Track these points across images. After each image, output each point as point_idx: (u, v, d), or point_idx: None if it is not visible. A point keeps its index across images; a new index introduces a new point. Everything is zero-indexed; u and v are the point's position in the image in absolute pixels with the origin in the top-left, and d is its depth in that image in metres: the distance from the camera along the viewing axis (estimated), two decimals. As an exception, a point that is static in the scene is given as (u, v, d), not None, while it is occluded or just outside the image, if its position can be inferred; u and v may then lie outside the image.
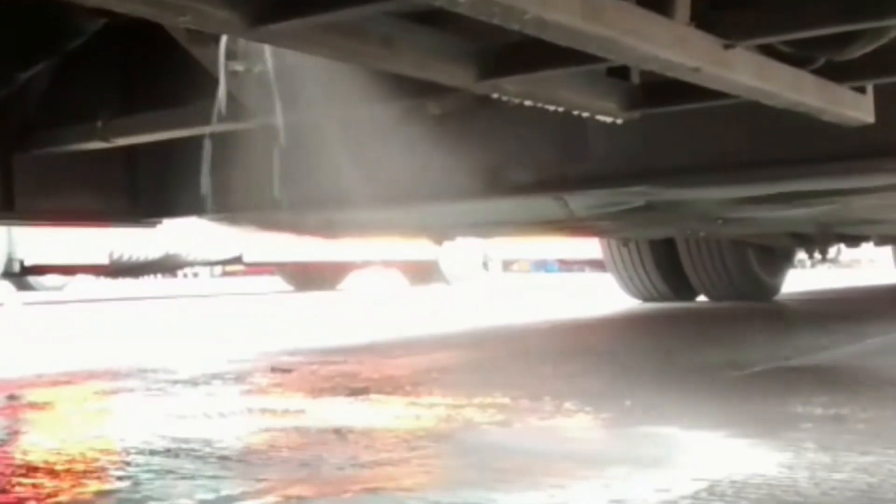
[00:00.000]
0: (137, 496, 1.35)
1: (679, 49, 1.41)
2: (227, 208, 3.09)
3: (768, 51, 1.71)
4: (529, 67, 1.63)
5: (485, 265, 13.89)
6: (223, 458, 1.62)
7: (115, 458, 1.65)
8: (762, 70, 1.67)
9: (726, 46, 1.53)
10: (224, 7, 1.18)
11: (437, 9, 1.20)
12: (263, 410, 2.14)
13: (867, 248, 7.53)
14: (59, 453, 1.67)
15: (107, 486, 1.44)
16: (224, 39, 1.81)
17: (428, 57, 1.56)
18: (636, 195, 3.09)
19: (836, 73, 1.91)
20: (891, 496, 1.28)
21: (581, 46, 1.29)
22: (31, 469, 1.55)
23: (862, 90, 2.06)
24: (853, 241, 6.46)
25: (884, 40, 1.77)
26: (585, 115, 1.96)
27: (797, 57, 1.80)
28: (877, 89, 2.10)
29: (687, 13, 1.43)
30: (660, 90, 1.99)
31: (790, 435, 1.69)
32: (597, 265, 13.19)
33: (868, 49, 1.78)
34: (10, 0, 1.95)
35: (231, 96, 2.11)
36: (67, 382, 2.73)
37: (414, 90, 2.03)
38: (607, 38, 1.26)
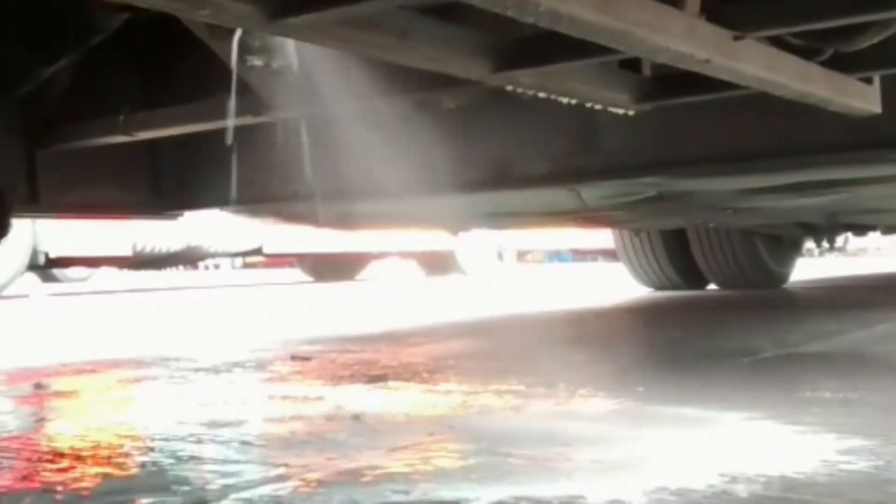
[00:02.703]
0: (161, 481, 1.36)
1: (689, 41, 1.40)
2: (247, 200, 3.09)
3: (777, 42, 1.71)
4: (544, 60, 1.63)
5: (500, 256, 13.88)
6: (245, 443, 1.62)
7: (139, 444, 1.65)
8: (771, 61, 1.66)
9: (736, 38, 1.53)
10: (243, 1, 1.18)
11: (453, 3, 1.19)
12: (284, 397, 2.14)
13: (874, 237, 7.51)
14: (84, 440, 1.68)
15: (131, 472, 1.44)
16: (237, 34, 1.81)
17: (444, 50, 1.55)
18: (648, 186, 3.09)
19: (844, 64, 1.90)
20: (895, 477, 1.28)
21: (593, 38, 1.29)
22: (57, 455, 1.56)
23: (869, 81, 2.05)
24: (860, 230, 6.45)
25: (891, 31, 1.76)
26: (598, 107, 1.95)
27: (805, 48, 1.79)
28: (884, 80, 2.09)
29: (697, 5, 1.43)
30: (671, 82, 1.99)
31: (800, 418, 1.68)
32: (609, 255, 13.17)
33: (875, 40, 1.77)
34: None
35: (251, 91, 2.11)
36: (92, 371, 2.74)
37: (429, 84, 2.03)
38: (619, 30, 1.26)
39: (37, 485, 1.36)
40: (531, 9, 1.10)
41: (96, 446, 1.62)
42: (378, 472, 1.37)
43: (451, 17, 1.55)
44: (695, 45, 1.42)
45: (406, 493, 1.25)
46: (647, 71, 1.98)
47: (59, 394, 2.31)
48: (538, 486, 1.26)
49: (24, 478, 1.41)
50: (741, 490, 1.22)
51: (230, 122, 2.17)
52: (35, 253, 8.44)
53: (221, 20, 1.27)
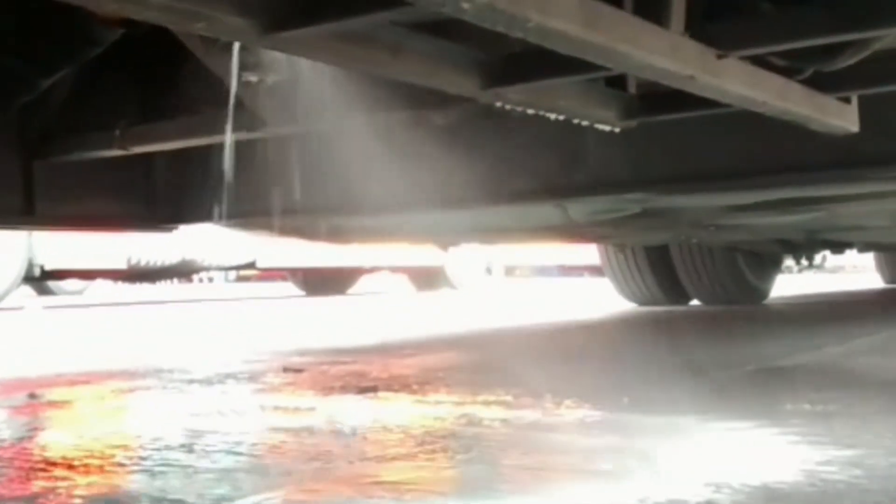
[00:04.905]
0: (153, 490, 1.34)
1: (674, 58, 1.40)
2: (241, 214, 3.08)
3: (759, 61, 1.71)
4: (532, 77, 1.63)
5: (488, 271, 13.87)
6: (237, 453, 1.61)
7: (132, 453, 1.63)
8: (753, 79, 1.66)
9: (719, 56, 1.52)
10: (237, 14, 1.18)
11: (444, 19, 1.19)
12: (276, 408, 2.13)
13: (851, 255, 7.52)
14: (76, 449, 1.66)
15: (123, 481, 1.43)
16: (233, 50, 1.80)
17: (434, 65, 1.55)
18: (633, 202, 3.08)
19: (823, 83, 1.90)
20: (876, 487, 1.27)
21: (580, 54, 1.28)
22: (49, 464, 1.54)
23: (847, 100, 2.05)
24: (838, 247, 6.45)
25: (868, 52, 1.76)
26: (585, 123, 1.95)
27: (786, 68, 1.79)
28: (861, 100, 2.10)
29: (681, 23, 1.43)
30: (655, 100, 1.99)
31: (781, 429, 1.67)
32: (595, 271, 13.17)
33: (853, 60, 1.78)
34: (33, 9, 1.94)
35: (245, 106, 2.10)
36: (86, 382, 2.72)
37: (420, 101, 2.02)
38: (605, 47, 1.25)
39: (29, 494, 1.34)
40: (520, 24, 1.09)
41: (89, 455, 1.60)
42: (368, 481, 1.36)
43: (442, 33, 1.55)
44: (679, 62, 1.42)
45: (395, 501, 1.24)
46: (632, 88, 1.98)
47: (52, 404, 2.30)
48: (527, 497, 1.25)
49: (16, 487, 1.39)
50: (725, 499, 1.21)
51: (224, 138, 2.16)
52: (30, 265, 8.40)
53: (216, 33, 1.26)
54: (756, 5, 1.67)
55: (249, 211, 3.05)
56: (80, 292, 12.18)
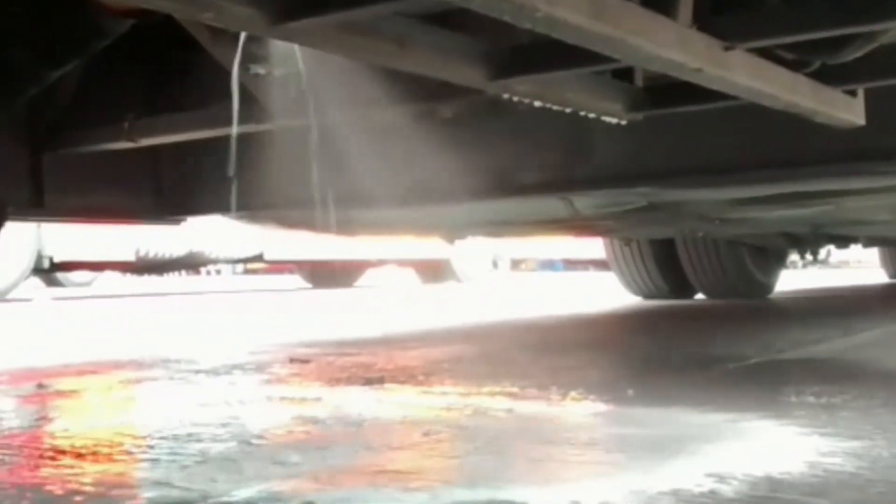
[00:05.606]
0: (161, 479, 1.34)
1: (682, 49, 1.40)
2: (248, 206, 3.08)
3: (766, 54, 1.70)
4: (539, 68, 1.62)
5: (494, 264, 13.87)
6: (244, 442, 1.61)
7: (140, 442, 1.63)
8: (760, 72, 1.66)
9: (726, 48, 1.52)
10: (246, 4, 1.17)
11: (451, 11, 1.19)
12: (282, 398, 2.13)
13: (855, 249, 7.51)
14: (84, 438, 1.66)
15: (131, 469, 1.43)
16: (240, 41, 1.80)
17: (441, 57, 1.55)
18: (638, 195, 3.08)
19: (830, 76, 1.90)
20: (879, 478, 1.27)
21: (588, 45, 1.28)
22: (58, 452, 1.54)
23: (853, 93, 2.05)
24: (842, 242, 6.46)
25: (874, 45, 1.76)
26: (592, 115, 1.94)
27: (793, 61, 1.79)
28: (868, 93, 2.09)
29: (689, 15, 1.42)
30: (662, 93, 1.99)
31: (785, 421, 1.67)
32: (600, 264, 13.16)
33: (859, 53, 1.77)
34: (41, 1, 1.94)
35: (253, 98, 2.10)
36: (93, 372, 2.72)
37: (427, 94, 2.02)
38: (613, 37, 1.25)
39: (37, 481, 1.34)
40: (528, 14, 1.09)
41: (97, 444, 1.61)
42: (374, 471, 1.36)
43: (449, 24, 1.54)
44: (687, 54, 1.41)
45: (401, 491, 1.24)
46: (639, 81, 1.97)
47: (60, 393, 2.30)
48: (531, 487, 1.25)
49: (25, 474, 1.39)
50: (729, 490, 1.21)
51: (232, 130, 2.16)
52: (39, 257, 8.42)
53: (224, 23, 1.26)
54: (762, -2, 1.67)
55: (257, 203, 3.05)
56: (88, 284, 12.22)
